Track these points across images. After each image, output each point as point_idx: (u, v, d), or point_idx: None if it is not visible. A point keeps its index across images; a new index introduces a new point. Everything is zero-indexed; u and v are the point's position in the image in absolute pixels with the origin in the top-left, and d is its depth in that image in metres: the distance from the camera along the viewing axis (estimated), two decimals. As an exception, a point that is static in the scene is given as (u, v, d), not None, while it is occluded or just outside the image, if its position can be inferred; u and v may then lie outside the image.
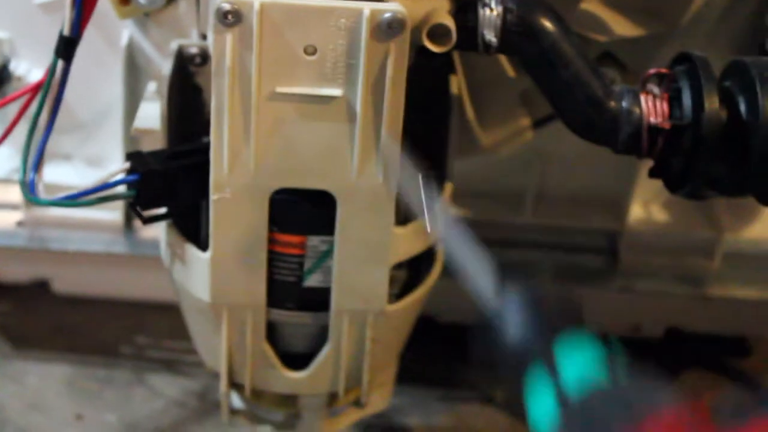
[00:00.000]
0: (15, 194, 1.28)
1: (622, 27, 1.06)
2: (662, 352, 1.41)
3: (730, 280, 1.33)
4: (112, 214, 1.29)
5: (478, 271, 0.80)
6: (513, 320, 0.75)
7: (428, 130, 0.99)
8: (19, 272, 1.43)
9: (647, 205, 1.32)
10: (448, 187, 1.02)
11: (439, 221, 0.86)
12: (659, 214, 1.32)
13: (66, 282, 1.43)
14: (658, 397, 0.67)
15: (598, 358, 0.72)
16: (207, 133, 0.89)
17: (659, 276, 1.32)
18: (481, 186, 1.29)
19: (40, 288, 1.43)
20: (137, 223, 1.29)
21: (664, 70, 0.88)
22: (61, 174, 1.26)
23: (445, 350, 1.39)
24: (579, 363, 0.72)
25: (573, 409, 0.70)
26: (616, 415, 0.67)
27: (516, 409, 1.31)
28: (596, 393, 0.70)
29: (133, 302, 1.43)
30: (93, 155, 1.28)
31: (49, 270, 1.42)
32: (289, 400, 1.06)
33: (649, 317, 1.41)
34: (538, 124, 1.17)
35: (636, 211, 1.31)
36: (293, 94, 0.86)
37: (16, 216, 1.30)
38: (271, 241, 0.93)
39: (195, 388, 1.33)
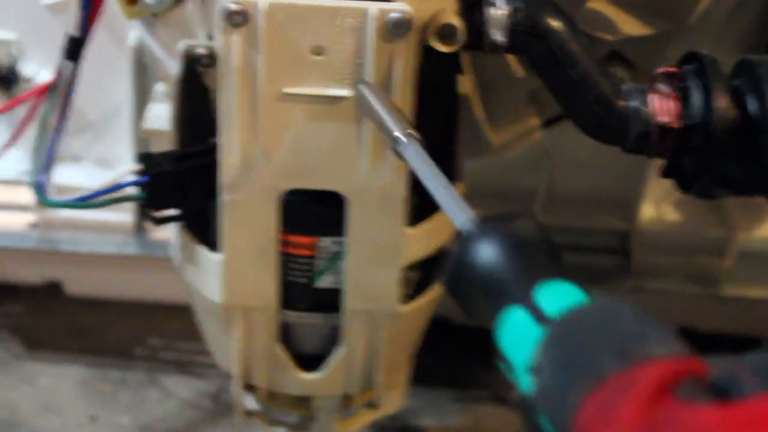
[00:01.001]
0: (26, 196, 1.28)
1: (629, 26, 1.05)
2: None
3: (742, 280, 1.32)
4: (124, 215, 1.29)
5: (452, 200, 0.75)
6: (486, 253, 0.67)
7: (437, 131, 0.99)
8: (31, 274, 1.44)
9: (658, 205, 1.31)
10: (459, 187, 1.02)
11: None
12: (671, 214, 1.31)
13: (78, 284, 1.43)
14: (653, 341, 0.59)
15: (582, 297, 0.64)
16: (216, 134, 0.90)
17: (671, 276, 1.32)
18: (491, 186, 1.29)
19: (53, 290, 1.44)
20: (148, 224, 1.30)
21: (672, 69, 0.88)
22: (72, 175, 1.27)
23: (458, 351, 1.39)
24: (559, 296, 0.64)
25: (555, 327, 0.62)
26: (605, 346, 0.58)
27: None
28: (581, 312, 0.62)
29: (145, 304, 1.43)
30: (103, 156, 1.28)
31: (61, 272, 1.43)
32: (303, 402, 1.06)
33: (661, 318, 1.40)
34: (547, 123, 1.16)
35: (647, 211, 1.31)
36: (301, 95, 0.86)
37: (28, 218, 1.30)
38: (283, 242, 0.93)
39: (208, 390, 1.34)
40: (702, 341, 1.37)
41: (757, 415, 0.52)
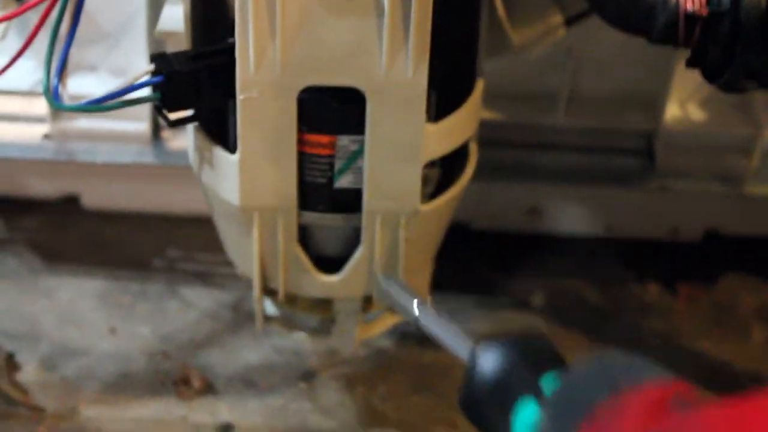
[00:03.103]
0: (41, 107, 1.27)
1: None
2: (701, 256, 1.40)
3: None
4: (139, 124, 1.27)
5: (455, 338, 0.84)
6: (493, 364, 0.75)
7: (457, 27, 0.97)
8: (48, 188, 1.43)
9: (683, 104, 1.29)
10: (480, 83, 1.00)
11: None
12: (696, 113, 1.29)
13: (95, 197, 1.42)
14: (640, 371, 0.66)
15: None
16: (231, 34, 0.88)
17: (697, 176, 1.30)
18: (512, 87, 1.27)
19: (70, 203, 1.43)
20: (165, 133, 1.29)
21: (701, -45, 0.86)
22: (87, 85, 1.25)
23: (478, 257, 1.38)
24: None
25: (552, 398, 0.70)
26: (597, 384, 0.66)
27: (553, 313, 1.32)
28: (576, 373, 0.70)
29: (163, 216, 1.42)
30: (118, 65, 1.26)
31: (78, 185, 1.42)
32: (323, 305, 1.05)
33: (687, 219, 1.39)
34: (570, 21, 1.14)
35: (672, 110, 1.29)
36: (320, -12, 0.84)
37: (43, 129, 1.28)
38: (300, 141, 0.92)
39: (228, 300, 1.33)
40: (726, 244, 1.38)
41: (759, 408, 0.54)
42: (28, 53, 1.07)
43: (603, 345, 1.28)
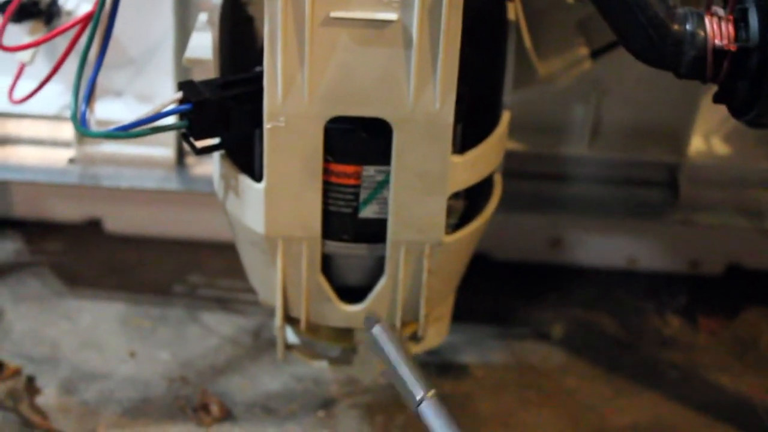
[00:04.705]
0: (67, 131, 1.28)
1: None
2: (722, 290, 1.39)
3: (791, 214, 1.31)
4: (164, 150, 1.28)
5: None
6: None
7: (484, 59, 0.97)
8: (71, 211, 1.43)
9: (708, 137, 1.29)
10: (506, 115, 1.00)
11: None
12: (720, 147, 1.29)
13: (118, 221, 1.43)
14: None
15: None
16: (259, 63, 0.88)
17: (720, 209, 1.30)
18: (537, 118, 1.27)
19: (93, 227, 1.43)
20: (189, 159, 1.29)
21: (730, -9, 0.85)
22: (113, 110, 1.25)
23: (499, 287, 1.38)
24: None
25: None
26: None
27: (572, 345, 1.31)
28: None
29: (186, 241, 1.43)
30: (144, 91, 1.27)
31: (101, 209, 1.42)
32: (345, 335, 1.05)
33: (709, 252, 1.39)
34: (596, 53, 1.14)
35: (697, 143, 1.29)
36: (348, 19, 0.84)
37: (68, 153, 1.29)
38: (326, 171, 0.92)
39: (249, 326, 1.33)
40: (748, 278, 1.37)
41: None
42: (55, 77, 1.09)
43: (622, 378, 1.28)
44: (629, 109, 1.28)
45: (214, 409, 1.21)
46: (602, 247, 1.40)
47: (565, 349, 1.31)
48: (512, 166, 1.11)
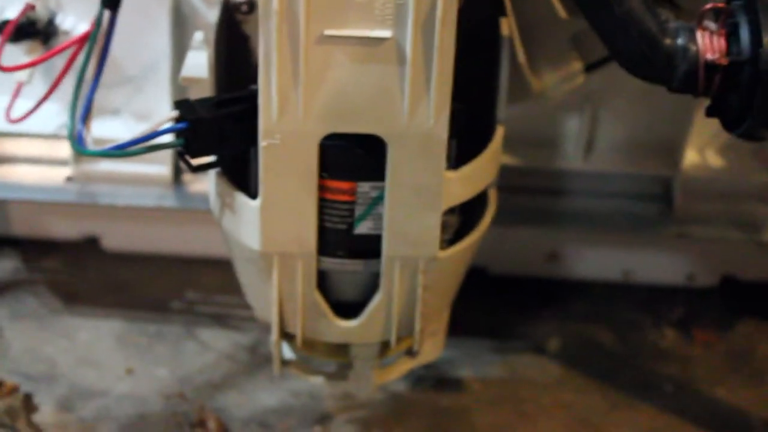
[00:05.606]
0: (64, 150, 1.28)
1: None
2: (718, 302, 1.40)
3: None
4: (161, 168, 1.28)
5: None
6: None
7: (478, 74, 0.98)
8: (69, 229, 1.44)
9: (702, 150, 1.30)
10: (500, 130, 1.01)
11: None
12: (714, 160, 1.30)
13: (115, 238, 1.43)
14: None
15: None
16: (254, 81, 0.89)
17: (715, 222, 1.30)
18: (532, 132, 1.27)
19: (90, 245, 1.44)
20: (186, 177, 1.30)
21: (720, 5, 0.86)
22: (110, 129, 1.26)
23: (495, 301, 1.38)
24: None
25: None
26: None
27: (568, 358, 1.32)
28: None
29: (182, 258, 1.43)
30: (141, 109, 1.27)
31: (98, 227, 1.43)
32: (340, 350, 1.05)
33: (704, 265, 1.39)
34: (590, 67, 1.15)
35: (691, 157, 1.29)
36: (342, 37, 0.84)
37: (65, 172, 1.29)
38: (321, 188, 0.92)
39: (245, 342, 1.33)
40: (743, 291, 1.38)
41: None
42: (52, 97, 1.09)
43: (618, 391, 1.28)
44: (623, 123, 1.29)
45: (212, 425, 1.21)
46: (598, 261, 1.40)
47: (562, 362, 1.32)
48: (506, 180, 1.11)
